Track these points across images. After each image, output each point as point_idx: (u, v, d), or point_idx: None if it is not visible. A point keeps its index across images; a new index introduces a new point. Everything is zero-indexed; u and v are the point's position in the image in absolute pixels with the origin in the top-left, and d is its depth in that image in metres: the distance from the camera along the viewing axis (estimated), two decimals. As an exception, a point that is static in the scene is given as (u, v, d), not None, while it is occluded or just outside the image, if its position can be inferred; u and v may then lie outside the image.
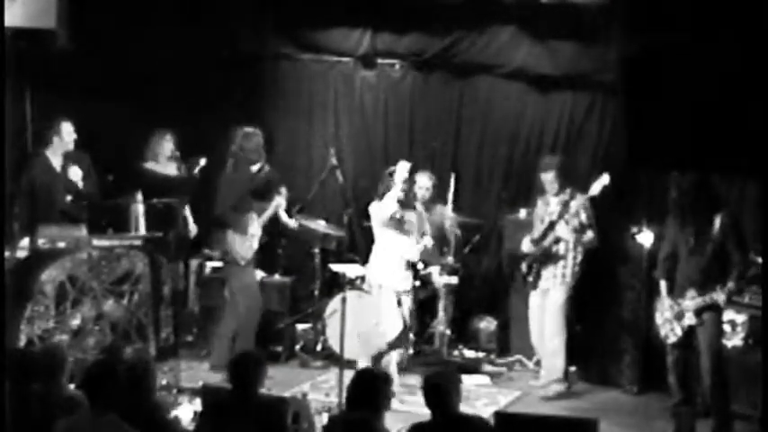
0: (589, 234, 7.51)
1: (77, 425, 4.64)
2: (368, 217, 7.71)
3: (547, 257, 7.60)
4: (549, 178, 7.60)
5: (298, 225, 8.46)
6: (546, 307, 7.61)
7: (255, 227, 7.90)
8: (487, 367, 8.25)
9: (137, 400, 4.84)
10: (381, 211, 7.28)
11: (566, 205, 7.48)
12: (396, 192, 7.19)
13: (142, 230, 8.18)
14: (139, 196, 8.24)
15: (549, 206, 7.66)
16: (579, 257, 7.58)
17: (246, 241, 7.82)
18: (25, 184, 7.84)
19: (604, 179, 7.33)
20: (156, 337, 7.85)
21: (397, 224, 7.25)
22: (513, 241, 8.18)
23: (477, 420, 4.86)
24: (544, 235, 7.60)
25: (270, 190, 8.19)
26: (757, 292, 6.83)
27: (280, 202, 8.12)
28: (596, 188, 7.36)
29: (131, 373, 4.93)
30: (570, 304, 7.64)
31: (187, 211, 8.39)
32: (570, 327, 7.68)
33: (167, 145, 8.40)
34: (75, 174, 7.98)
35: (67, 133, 7.95)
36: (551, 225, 7.57)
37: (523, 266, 7.69)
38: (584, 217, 7.47)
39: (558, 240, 7.57)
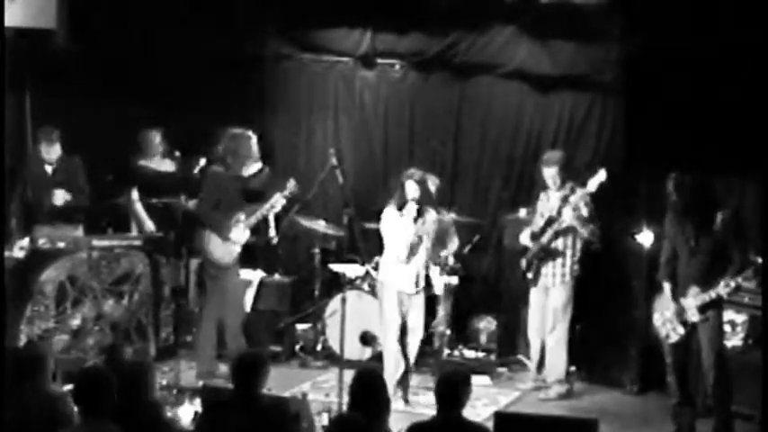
0: (590, 227, 7.50)
1: None
2: (367, 218, 7.69)
3: (546, 253, 7.59)
4: (551, 173, 7.59)
5: (289, 222, 8.35)
6: (548, 306, 7.60)
7: (239, 233, 7.45)
8: (500, 369, 8.23)
9: (135, 400, 4.82)
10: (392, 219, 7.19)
11: (565, 200, 7.48)
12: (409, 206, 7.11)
13: (150, 226, 8.18)
14: (135, 193, 8.25)
15: (549, 201, 7.66)
16: (578, 255, 7.57)
17: (227, 246, 7.43)
18: (18, 184, 7.86)
19: (601, 175, 7.32)
20: (156, 337, 7.87)
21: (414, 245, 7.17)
22: (513, 239, 8.17)
23: (476, 427, 4.83)
24: (543, 230, 7.59)
25: (266, 193, 7.89)
26: (757, 292, 6.82)
27: (277, 200, 7.57)
28: (593, 184, 7.34)
29: (130, 373, 4.91)
30: (573, 305, 7.62)
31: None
32: (571, 329, 7.68)
33: (156, 141, 8.41)
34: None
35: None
36: (550, 221, 7.56)
37: (523, 262, 7.69)
38: (584, 212, 7.45)
39: (557, 236, 7.55)
